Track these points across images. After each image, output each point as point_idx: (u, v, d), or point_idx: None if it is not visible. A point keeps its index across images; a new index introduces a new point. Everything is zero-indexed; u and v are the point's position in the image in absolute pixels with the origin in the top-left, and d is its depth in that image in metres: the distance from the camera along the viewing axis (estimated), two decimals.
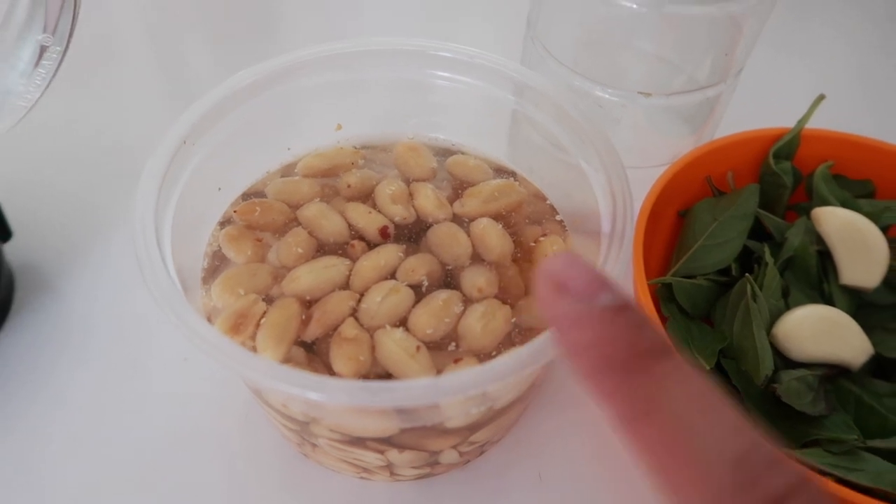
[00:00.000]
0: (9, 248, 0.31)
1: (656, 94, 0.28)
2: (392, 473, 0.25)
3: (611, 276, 0.16)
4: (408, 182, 0.27)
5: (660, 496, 0.14)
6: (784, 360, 0.26)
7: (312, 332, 0.23)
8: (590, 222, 0.25)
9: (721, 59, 0.28)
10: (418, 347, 0.22)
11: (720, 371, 0.26)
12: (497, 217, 0.26)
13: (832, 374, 0.26)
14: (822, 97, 0.31)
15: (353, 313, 0.23)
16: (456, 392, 0.18)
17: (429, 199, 0.26)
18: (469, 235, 0.25)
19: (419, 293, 0.24)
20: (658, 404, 0.14)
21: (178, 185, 0.23)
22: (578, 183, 0.25)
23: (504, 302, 0.24)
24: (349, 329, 0.22)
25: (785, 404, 0.25)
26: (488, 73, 0.27)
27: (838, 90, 0.34)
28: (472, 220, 0.26)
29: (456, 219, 0.26)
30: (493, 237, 0.25)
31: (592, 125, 0.24)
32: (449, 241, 0.25)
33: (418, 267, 0.24)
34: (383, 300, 0.23)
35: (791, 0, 0.31)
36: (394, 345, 0.22)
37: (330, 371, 0.22)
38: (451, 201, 0.27)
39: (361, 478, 0.26)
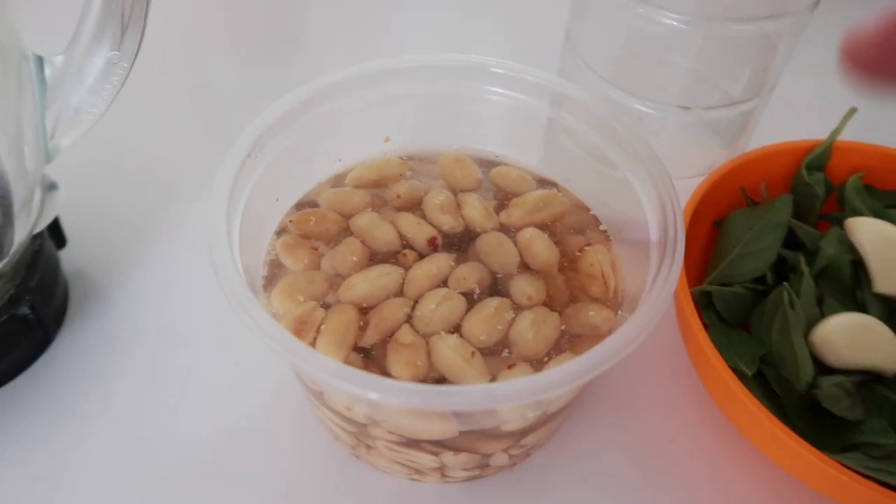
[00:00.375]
0: (63, 255, 0.32)
1: (694, 107, 0.29)
2: (443, 475, 0.26)
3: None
4: (454, 192, 0.28)
5: None
6: (821, 367, 0.27)
7: (370, 338, 0.24)
8: (632, 230, 0.26)
9: (757, 75, 0.29)
10: (473, 353, 0.23)
11: (760, 377, 0.27)
12: (542, 227, 0.27)
13: (867, 381, 0.27)
14: (854, 110, 0.32)
15: (408, 320, 0.24)
16: (512, 399, 0.19)
17: (476, 210, 0.27)
18: (516, 245, 0.26)
19: (471, 300, 0.25)
20: None
21: (244, 195, 0.24)
22: (618, 192, 0.26)
23: (552, 310, 0.25)
24: (406, 335, 0.23)
25: (824, 410, 0.26)
26: (526, 85, 0.28)
27: (869, 103, 0.34)
28: (518, 230, 0.27)
29: (502, 228, 0.27)
30: (540, 246, 0.26)
31: (635, 135, 0.25)
32: (497, 250, 0.26)
33: (469, 275, 0.25)
34: (437, 307, 0.24)
35: (824, 13, 0.32)
36: (449, 350, 0.23)
37: (387, 376, 0.23)
38: (497, 211, 0.28)
39: (412, 479, 0.27)
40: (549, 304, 0.25)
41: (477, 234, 0.27)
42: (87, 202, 0.35)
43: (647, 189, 0.24)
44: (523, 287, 0.25)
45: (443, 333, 0.23)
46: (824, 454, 0.23)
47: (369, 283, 0.25)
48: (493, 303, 0.24)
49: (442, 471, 0.25)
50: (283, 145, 0.26)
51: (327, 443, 0.28)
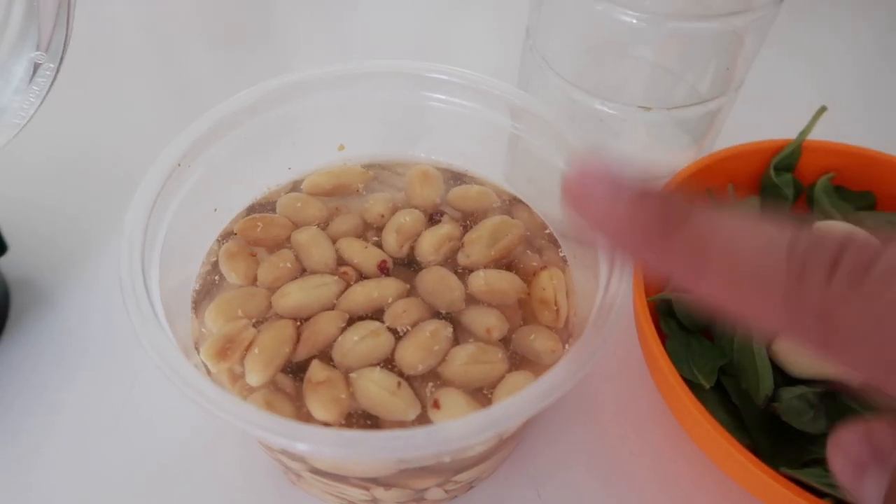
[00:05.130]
0: (4, 261, 0.31)
1: (656, 108, 0.28)
2: None
3: (625, 172, 0.17)
4: (415, 209, 0.27)
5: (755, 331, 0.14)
6: (784, 377, 0.26)
7: (300, 354, 0.22)
8: (588, 234, 0.25)
9: (722, 72, 0.28)
10: (399, 384, 0.21)
11: (720, 389, 0.26)
12: (500, 259, 0.25)
13: (832, 391, 0.26)
14: (823, 109, 0.31)
15: (328, 348, 0.22)
16: (459, 440, 0.18)
17: (424, 240, 0.25)
18: (466, 282, 0.25)
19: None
20: (704, 252, 0.15)
21: (171, 207, 0.23)
22: None
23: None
24: (318, 373, 0.22)
25: (785, 422, 0.25)
26: (485, 97, 0.26)
27: (839, 101, 0.33)
28: (477, 268, 0.25)
29: (461, 269, 0.25)
30: (500, 285, 0.24)
31: (588, 145, 0.24)
32: (440, 287, 0.24)
33: (409, 311, 0.23)
34: (360, 340, 0.22)
35: (791, 12, 0.31)
36: (373, 385, 0.21)
37: None
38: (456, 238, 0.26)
39: None
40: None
41: (421, 267, 0.25)
42: (31, 205, 0.34)
43: None
44: (483, 318, 0.24)
45: (364, 369, 0.22)
46: (780, 471, 0.22)
47: (304, 292, 0.23)
48: (429, 327, 0.23)
49: (375, 503, 0.24)
50: (223, 153, 0.25)
51: (268, 464, 0.27)
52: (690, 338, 0.28)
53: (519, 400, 0.18)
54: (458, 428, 0.17)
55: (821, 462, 0.24)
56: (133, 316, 0.19)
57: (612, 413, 0.28)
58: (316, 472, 0.22)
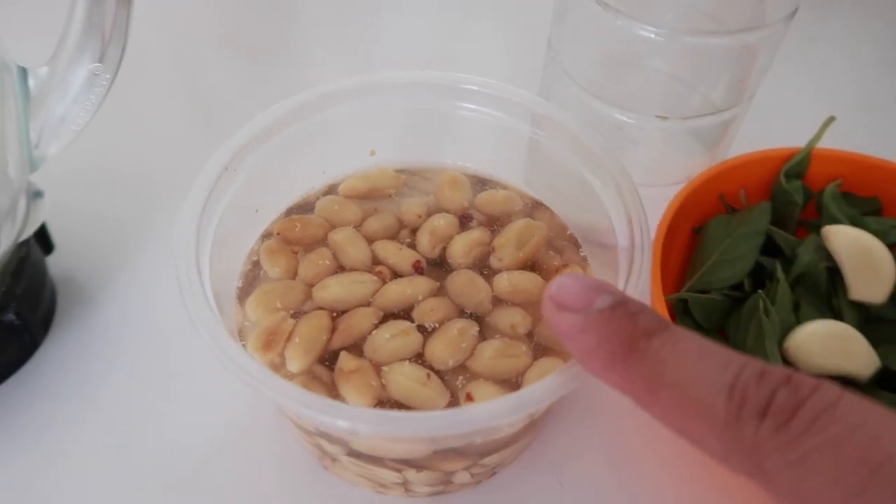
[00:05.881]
0: (51, 261, 0.32)
1: (672, 117, 0.29)
2: (406, 490, 0.26)
3: (606, 283, 0.19)
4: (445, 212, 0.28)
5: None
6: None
7: (335, 343, 0.24)
8: (606, 236, 0.26)
9: (735, 84, 0.30)
10: (429, 375, 0.23)
11: None
12: (528, 261, 0.27)
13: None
14: (832, 119, 0.32)
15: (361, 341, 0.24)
16: (494, 419, 0.19)
17: (456, 244, 0.27)
18: (494, 282, 0.26)
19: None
20: (658, 379, 0.16)
21: (219, 208, 0.24)
22: (593, 208, 0.27)
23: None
24: (348, 362, 0.23)
25: None
26: (507, 104, 0.28)
27: (847, 111, 0.35)
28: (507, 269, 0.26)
29: (491, 270, 0.27)
30: (523, 283, 0.26)
31: (607, 154, 0.26)
32: (468, 289, 0.25)
33: (436, 309, 0.25)
34: (391, 339, 0.24)
35: (800, 28, 0.33)
36: (403, 377, 0.23)
37: None
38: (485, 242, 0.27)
39: (377, 492, 0.27)
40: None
41: (451, 269, 0.27)
42: (76, 208, 0.35)
43: (616, 201, 0.25)
44: (508, 317, 0.25)
45: (395, 363, 0.23)
46: None
47: (343, 287, 0.25)
48: (456, 325, 0.24)
49: (405, 486, 0.25)
50: (263, 158, 0.26)
51: (300, 453, 0.28)
52: (706, 335, 0.29)
53: (550, 382, 0.19)
54: (493, 408, 0.19)
55: None
56: (190, 306, 0.20)
57: (630, 407, 0.30)
58: (353, 454, 0.23)
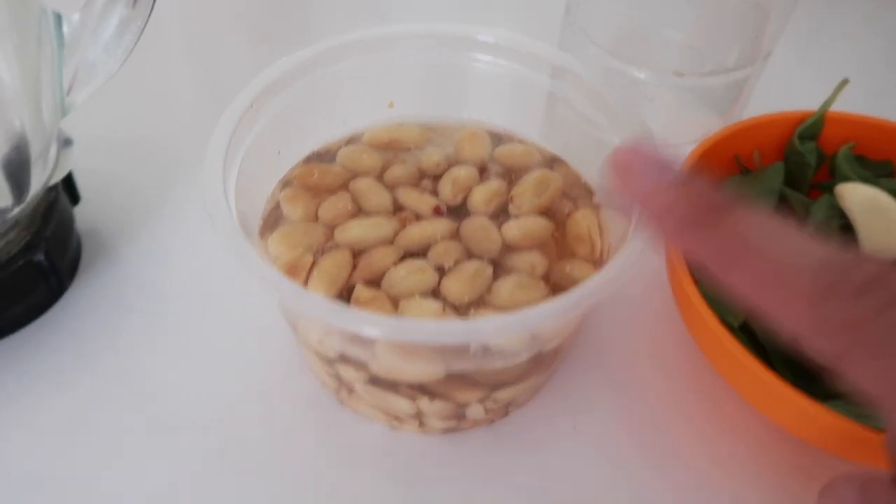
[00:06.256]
0: (77, 212, 0.33)
1: (689, 74, 0.30)
2: (421, 423, 0.26)
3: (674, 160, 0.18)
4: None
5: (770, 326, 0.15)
6: None
7: (354, 279, 0.25)
8: (620, 203, 0.27)
9: (749, 43, 0.30)
10: (444, 308, 0.24)
11: (747, 331, 0.28)
12: (545, 208, 0.28)
13: None
14: (845, 81, 0.33)
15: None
16: (503, 331, 0.20)
17: (478, 193, 0.27)
18: (503, 230, 0.27)
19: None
20: (740, 245, 0.15)
21: (243, 147, 0.25)
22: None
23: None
24: (364, 293, 0.24)
25: (809, 364, 0.27)
26: (526, 57, 0.29)
27: (861, 74, 0.35)
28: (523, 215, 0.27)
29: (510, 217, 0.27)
30: (531, 227, 0.27)
31: (626, 107, 0.26)
32: (480, 235, 0.26)
33: (450, 252, 0.26)
34: (407, 275, 0.24)
35: None
36: (419, 310, 0.23)
37: None
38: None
39: (392, 427, 0.27)
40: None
41: (468, 215, 0.27)
42: (101, 164, 0.36)
43: None
44: (526, 259, 0.26)
45: (411, 298, 0.24)
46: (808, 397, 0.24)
47: (363, 228, 0.26)
48: (471, 265, 0.25)
49: (420, 418, 0.26)
50: (285, 102, 0.27)
51: (318, 392, 0.29)
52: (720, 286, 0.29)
53: (554, 305, 0.20)
54: (500, 321, 0.20)
55: (842, 396, 0.26)
56: (220, 229, 0.21)
57: (644, 355, 0.30)
58: (371, 381, 0.24)
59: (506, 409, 0.28)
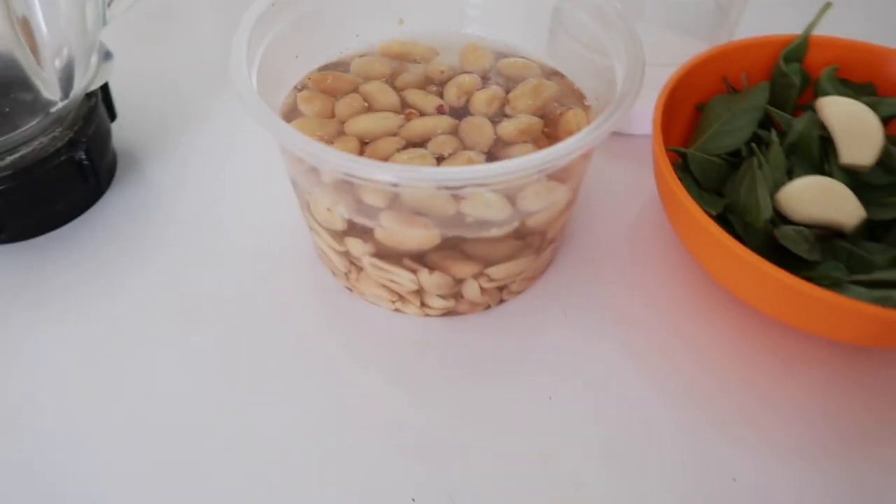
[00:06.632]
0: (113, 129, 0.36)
1: None
2: (422, 303, 0.29)
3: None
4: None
5: None
6: (785, 223, 0.30)
7: None
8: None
9: None
10: (439, 188, 0.26)
11: (725, 222, 0.30)
12: (538, 109, 0.30)
13: (828, 235, 0.30)
14: (829, 5, 0.35)
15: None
16: (505, 173, 0.22)
17: (480, 95, 0.30)
18: (498, 128, 0.29)
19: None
20: None
21: (264, 42, 0.28)
22: (608, 76, 0.29)
23: None
24: None
25: (783, 252, 0.28)
26: None
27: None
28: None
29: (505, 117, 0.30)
30: (524, 125, 0.29)
31: (624, 21, 0.28)
32: (475, 130, 0.29)
33: (449, 143, 0.28)
34: (409, 160, 0.27)
35: None
36: (417, 190, 0.25)
37: None
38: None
39: (396, 310, 0.30)
40: None
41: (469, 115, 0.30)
42: (136, 84, 0.39)
43: (622, 68, 0.27)
44: (522, 150, 0.28)
45: None
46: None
47: (372, 121, 0.28)
48: (467, 154, 0.27)
49: (421, 296, 0.28)
50: (303, 8, 0.30)
51: (327, 281, 0.31)
52: (703, 192, 0.31)
53: (534, 156, 0.22)
54: (483, 168, 0.22)
55: (814, 280, 0.28)
56: (241, 90, 0.24)
57: (629, 253, 0.33)
58: (376, 254, 0.27)
59: (500, 296, 0.30)
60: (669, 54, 0.34)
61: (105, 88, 0.34)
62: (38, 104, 0.30)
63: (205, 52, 0.44)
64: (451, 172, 0.22)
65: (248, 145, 0.37)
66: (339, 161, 0.22)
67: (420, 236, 0.25)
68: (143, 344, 0.29)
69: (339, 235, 0.27)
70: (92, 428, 0.26)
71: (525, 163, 0.22)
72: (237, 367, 0.28)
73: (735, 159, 0.33)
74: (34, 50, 0.28)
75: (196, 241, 0.33)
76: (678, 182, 0.28)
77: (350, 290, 0.31)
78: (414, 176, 0.22)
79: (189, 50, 0.44)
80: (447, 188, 0.24)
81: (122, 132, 0.37)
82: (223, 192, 0.35)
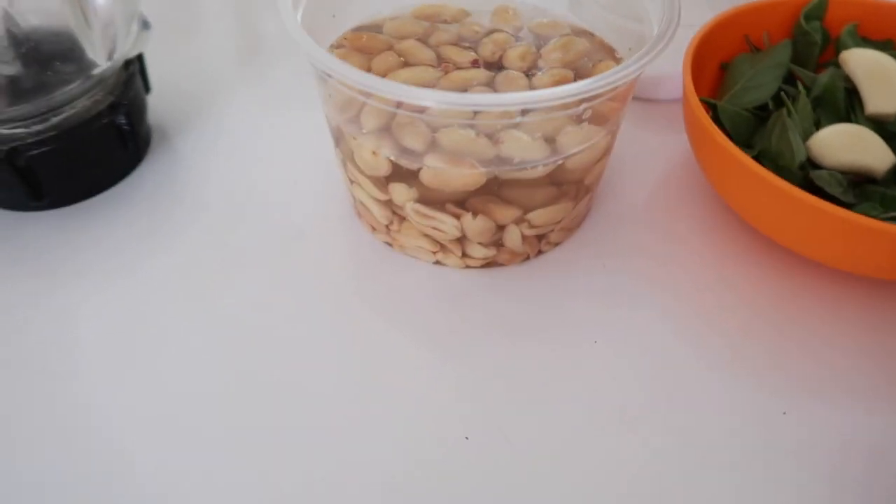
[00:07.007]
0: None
1: None
2: (464, 253, 0.29)
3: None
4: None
5: None
6: (816, 170, 0.30)
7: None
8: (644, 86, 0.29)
9: None
10: (477, 134, 0.26)
11: None
12: (569, 63, 0.31)
13: (859, 181, 0.30)
14: None
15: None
16: (551, 98, 0.23)
17: (514, 51, 0.31)
18: (533, 81, 0.30)
19: None
20: None
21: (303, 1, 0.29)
22: (635, 35, 0.30)
23: None
24: (402, 118, 0.27)
25: (818, 196, 0.29)
26: None
27: None
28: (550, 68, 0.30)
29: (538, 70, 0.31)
30: (560, 78, 0.30)
31: None
32: (510, 84, 0.29)
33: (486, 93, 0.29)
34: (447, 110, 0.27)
35: None
36: (455, 133, 0.26)
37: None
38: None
39: (437, 262, 0.30)
40: None
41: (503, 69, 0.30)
42: (170, 60, 0.40)
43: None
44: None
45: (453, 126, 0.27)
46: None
47: (411, 73, 0.29)
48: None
49: (462, 245, 0.29)
50: None
51: (367, 240, 0.32)
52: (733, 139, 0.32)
53: (578, 84, 0.23)
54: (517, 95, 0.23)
55: None
56: (292, 30, 0.25)
57: (664, 206, 0.33)
58: (420, 199, 0.27)
59: (539, 246, 0.30)
60: (691, 15, 0.35)
61: (141, 59, 0.34)
62: (78, 75, 0.30)
63: (234, 30, 0.45)
64: (504, 98, 0.23)
65: (276, 120, 0.38)
66: (391, 88, 0.23)
67: (465, 175, 0.26)
68: (183, 304, 0.29)
69: (383, 182, 0.28)
70: (133, 387, 0.26)
71: (570, 90, 0.23)
72: (276, 327, 0.29)
73: (762, 113, 0.33)
74: (84, 10, 0.28)
75: (230, 209, 0.33)
76: (712, 124, 0.29)
77: (390, 244, 0.31)
78: (468, 101, 0.23)
79: (219, 28, 0.45)
80: (502, 115, 0.25)
81: (154, 107, 0.38)
82: (255, 165, 0.36)
